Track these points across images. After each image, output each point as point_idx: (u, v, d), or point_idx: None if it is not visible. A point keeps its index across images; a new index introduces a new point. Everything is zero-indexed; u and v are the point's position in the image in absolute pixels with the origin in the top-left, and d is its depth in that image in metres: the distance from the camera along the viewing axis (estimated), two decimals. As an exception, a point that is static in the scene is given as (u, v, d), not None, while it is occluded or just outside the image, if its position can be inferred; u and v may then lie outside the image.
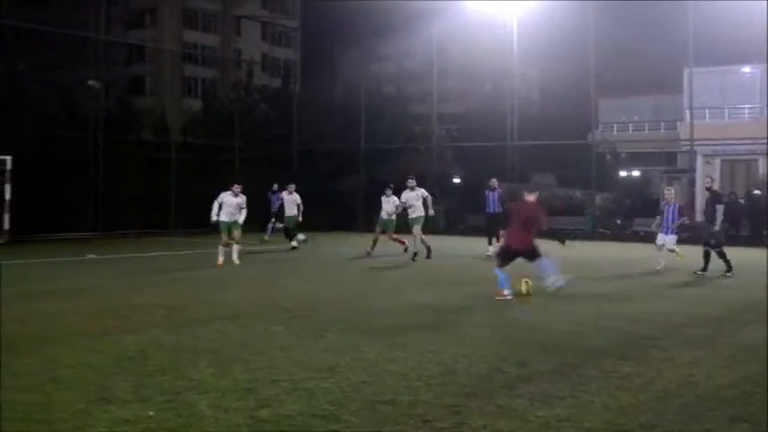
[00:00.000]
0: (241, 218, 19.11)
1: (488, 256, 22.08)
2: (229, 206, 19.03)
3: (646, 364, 8.00)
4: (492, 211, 23.20)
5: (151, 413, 6.02)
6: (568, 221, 34.95)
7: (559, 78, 44.18)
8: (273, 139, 40.50)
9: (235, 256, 19.01)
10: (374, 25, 43.20)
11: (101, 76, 38.75)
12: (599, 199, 36.69)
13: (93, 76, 39.41)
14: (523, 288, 12.94)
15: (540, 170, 40.47)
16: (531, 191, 13.40)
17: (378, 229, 22.68)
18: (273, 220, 28.62)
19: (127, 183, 33.52)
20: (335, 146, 39.54)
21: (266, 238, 28.35)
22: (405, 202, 21.78)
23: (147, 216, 33.17)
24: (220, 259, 18.90)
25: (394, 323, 10.47)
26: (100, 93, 37.67)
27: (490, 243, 22.58)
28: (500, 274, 12.84)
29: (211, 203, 19.30)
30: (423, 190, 21.70)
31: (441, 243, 27.34)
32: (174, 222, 33.65)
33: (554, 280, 12.72)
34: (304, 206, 25.16)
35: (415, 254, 20.66)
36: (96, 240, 28.49)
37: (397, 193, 22.44)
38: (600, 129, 41.26)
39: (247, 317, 10.89)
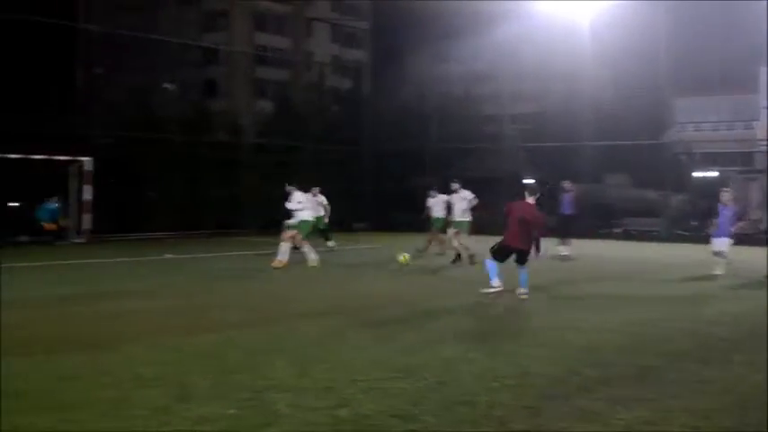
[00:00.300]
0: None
1: (562, 256, 21.92)
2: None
3: (727, 368, 7.84)
4: (566, 212, 23.03)
5: (231, 411, 6.08)
6: (642, 223, 34.45)
7: (633, 78, 43.54)
8: (345, 140, 40.67)
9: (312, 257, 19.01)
10: (445, 26, 43.16)
11: (176, 78, 39.29)
12: (674, 200, 36.07)
13: (169, 79, 40.05)
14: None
15: (614, 171, 39.94)
16: (532, 193, 13.37)
17: (433, 229, 22.68)
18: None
19: (201, 183, 33.98)
20: (406, 146, 39.54)
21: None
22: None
23: (220, 216, 33.56)
24: (312, 257, 18.86)
25: (467, 324, 10.46)
26: (175, 95, 38.22)
27: (563, 244, 22.39)
28: (490, 264, 13.22)
29: (283, 204, 19.30)
30: (468, 192, 21.14)
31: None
32: (247, 222, 33.96)
33: (524, 291, 12.98)
34: (372, 207, 25.06)
35: (471, 257, 20.31)
36: (172, 240, 28.90)
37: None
38: (675, 129, 40.62)
39: (322, 316, 10.95)
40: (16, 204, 31.36)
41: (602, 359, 8.16)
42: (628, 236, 33.20)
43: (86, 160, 28.62)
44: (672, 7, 33.97)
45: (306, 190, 19.79)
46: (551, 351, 8.55)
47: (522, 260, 13.11)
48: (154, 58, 46.43)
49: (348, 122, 43.81)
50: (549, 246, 23.12)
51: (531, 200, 13.22)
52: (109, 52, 44.94)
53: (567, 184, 23.35)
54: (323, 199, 25.25)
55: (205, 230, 32.25)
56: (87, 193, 28.54)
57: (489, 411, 6.17)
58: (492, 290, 12.98)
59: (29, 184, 29.03)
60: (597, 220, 33.93)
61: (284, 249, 18.63)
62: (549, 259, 21.19)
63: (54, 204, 28.23)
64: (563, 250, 22.20)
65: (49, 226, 27.92)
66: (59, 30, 36.40)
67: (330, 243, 24.84)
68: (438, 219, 22.32)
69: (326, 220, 24.91)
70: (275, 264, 18.15)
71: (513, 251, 13.13)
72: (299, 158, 38.07)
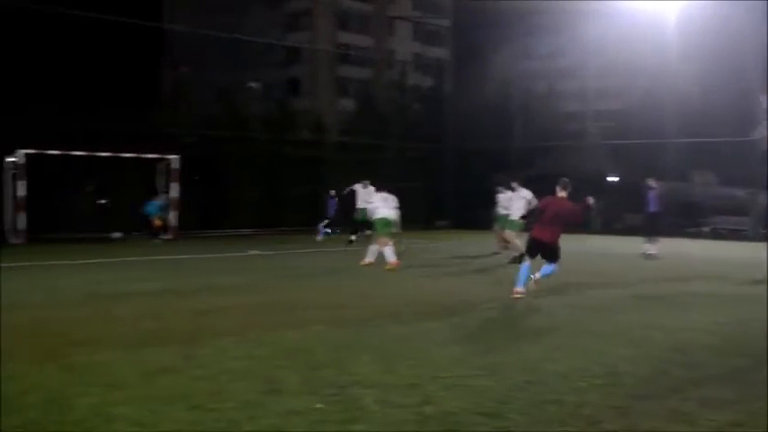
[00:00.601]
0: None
1: (648, 255, 21.62)
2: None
3: (822, 370, 7.65)
4: (651, 210, 22.71)
5: (318, 406, 6.16)
6: (730, 222, 33.74)
7: (719, 74, 42.63)
8: (427, 138, 40.71)
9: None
10: (528, 23, 42.89)
11: (260, 77, 39.79)
12: (762, 198, 35.20)
13: (254, 78, 40.61)
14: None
15: (700, 168, 39.16)
16: (565, 187, 13.08)
17: (496, 227, 22.48)
18: (326, 221, 28.63)
19: (284, 181, 34.38)
20: (488, 144, 39.42)
21: (319, 239, 28.35)
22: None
23: (303, 213, 33.90)
24: (392, 259, 18.54)
25: (552, 323, 10.39)
26: (259, 94, 38.73)
27: (649, 242, 22.10)
28: (524, 267, 12.85)
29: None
30: (527, 191, 20.52)
31: (596, 243, 26.91)
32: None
33: (538, 278, 12.86)
34: (454, 205, 25.03)
35: (516, 257, 20.05)
36: (257, 237, 29.31)
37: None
38: (764, 125, 39.57)
39: (406, 314, 11.00)
40: (104, 201, 32.20)
41: (691, 359, 8.05)
42: (716, 235, 32.57)
43: (173, 158, 29.19)
44: (759, 3, 33.21)
45: (379, 189, 19.60)
46: (638, 350, 8.46)
47: (552, 257, 12.86)
48: (239, 58, 47.19)
49: (430, 120, 43.88)
50: (638, 244, 22.92)
51: (563, 194, 13.03)
52: (195, 52, 45.83)
53: (651, 182, 23.00)
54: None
55: (287, 227, 32.63)
56: (174, 191, 29.12)
57: (577, 411, 6.14)
58: (517, 295, 12.61)
59: (118, 181, 29.82)
60: (683, 219, 33.35)
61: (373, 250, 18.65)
62: (636, 258, 21.00)
63: (161, 201, 28.86)
64: (649, 249, 21.89)
65: (157, 222, 28.55)
66: (147, 30, 37.22)
67: (352, 237, 25.26)
68: (502, 217, 22.09)
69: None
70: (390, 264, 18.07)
71: (541, 246, 12.83)
72: (382, 157, 38.24)
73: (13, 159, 27.76)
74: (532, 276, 12.73)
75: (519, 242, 19.60)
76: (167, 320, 10.35)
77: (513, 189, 21.07)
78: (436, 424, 5.78)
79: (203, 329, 9.63)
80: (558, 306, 12.00)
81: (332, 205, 28.74)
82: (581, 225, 13.16)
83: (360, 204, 25.42)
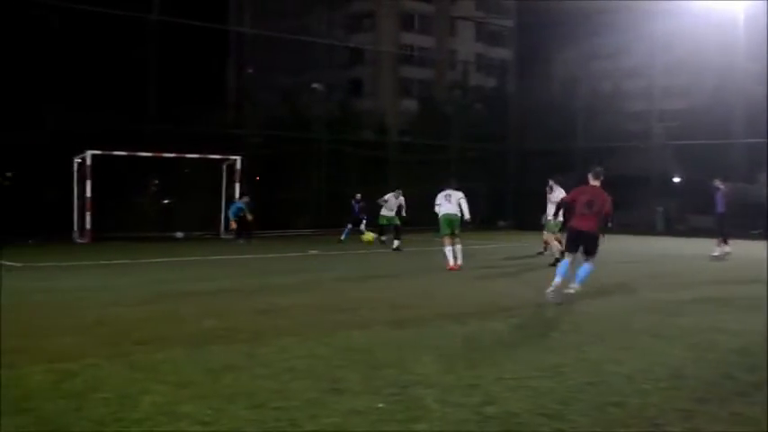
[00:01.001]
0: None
1: (714, 256, 21.30)
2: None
3: None
4: (719, 211, 22.35)
5: (380, 405, 6.18)
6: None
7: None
8: (489, 138, 40.55)
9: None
10: (593, 23, 42.43)
11: (323, 79, 40.00)
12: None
13: (317, 79, 40.84)
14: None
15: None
16: (597, 176, 12.81)
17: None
18: (350, 226, 28.65)
19: (347, 181, 34.52)
20: (551, 144, 39.13)
21: (342, 238, 28.34)
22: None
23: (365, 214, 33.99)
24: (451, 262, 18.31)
25: (614, 324, 10.29)
26: (323, 95, 38.95)
27: (721, 244, 21.78)
28: (564, 263, 12.63)
29: (431, 202, 19.15)
30: (562, 191, 19.44)
31: (660, 244, 26.56)
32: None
33: (576, 287, 12.42)
34: (516, 205, 24.75)
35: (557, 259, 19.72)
36: (318, 237, 29.47)
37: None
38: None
39: (466, 314, 10.96)
40: (168, 201, 32.69)
41: (756, 362, 7.90)
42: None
43: (237, 159, 29.52)
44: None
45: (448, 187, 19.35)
46: (702, 353, 8.33)
47: (590, 248, 12.51)
48: (302, 59, 47.46)
49: (493, 121, 43.72)
50: (702, 245, 22.57)
51: (596, 183, 12.80)
52: (259, 54, 46.21)
53: (718, 183, 22.63)
54: (402, 200, 25.83)
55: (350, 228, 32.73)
56: (237, 191, 29.46)
57: (640, 413, 6.07)
58: (551, 289, 12.33)
59: (182, 182, 30.26)
60: (750, 221, 32.72)
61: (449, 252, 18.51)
62: (702, 260, 20.68)
63: (242, 203, 29.18)
64: (715, 250, 21.58)
65: (234, 224, 28.85)
66: (213, 33, 37.61)
67: (383, 238, 25.92)
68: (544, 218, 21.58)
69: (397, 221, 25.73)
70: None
71: (580, 235, 12.50)
72: (444, 157, 38.20)
73: (81, 160, 28.33)
74: (572, 289, 12.40)
75: (557, 244, 19.40)
76: (230, 319, 10.48)
77: (550, 189, 20.42)
78: (498, 424, 5.75)
79: (265, 328, 9.75)
80: (619, 307, 11.88)
81: (356, 208, 28.91)
82: (611, 218, 12.72)
83: (384, 212, 25.95)
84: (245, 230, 28.32)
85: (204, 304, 12.01)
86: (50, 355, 7.87)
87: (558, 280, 12.37)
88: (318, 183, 33.81)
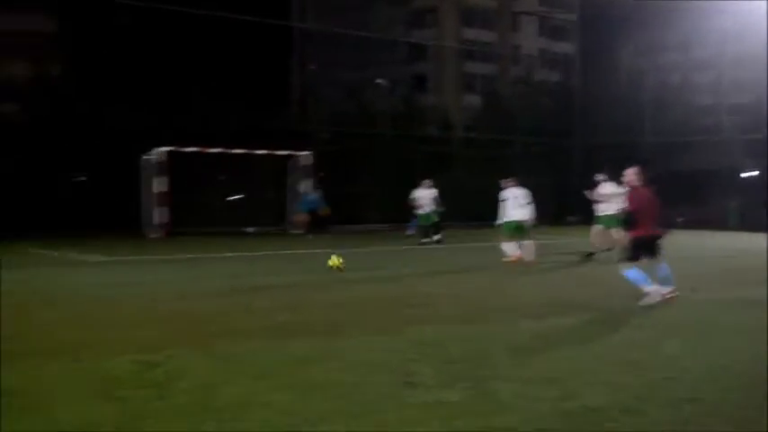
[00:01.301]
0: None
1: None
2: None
3: None
4: None
5: (456, 399, 6.22)
6: None
7: None
8: (555, 133, 40.27)
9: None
10: (658, 15, 41.89)
11: (387, 74, 40.14)
12: None
13: (380, 75, 41.00)
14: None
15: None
16: (638, 175, 11.92)
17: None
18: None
19: (412, 177, 34.57)
20: (618, 139, 38.70)
21: (410, 233, 28.18)
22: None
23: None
24: (510, 252, 18.35)
25: (691, 319, 10.19)
26: (386, 91, 39.09)
27: None
28: (631, 274, 11.58)
29: (493, 198, 19.01)
30: (610, 185, 18.82)
31: (733, 240, 26.15)
32: (455, 216, 34.26)
33: (671, 290, 11.57)
34: (584, 200, 24.18)
35: (589, 255, 19.27)
36: (385, 232, 29.59)
37: None
38: None
39: (539, 310, 10.96)
40: (238, 197, 33.09)
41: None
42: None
43: (305, 155, 29.78)
44: None
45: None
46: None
47: (656, 251, 11.74)
48: (365, 55, 47.67)
49: (557, 116, 43.37)
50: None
51: (638, 182, 12.21)
52: (323, 50, 46.52)
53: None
54: (434, 192, 25.59)
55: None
56: (305, 187, 29.72)
57: (717, 410, 6.02)
58: (649, 298, 11.35)
59: (252, 177, 30.61)
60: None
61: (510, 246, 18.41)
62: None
63: (314, 196, 29.39)
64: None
65: (302, 217, 29.07)
66: (277, 29, 37.92)
67: (436, 237, 25.44)
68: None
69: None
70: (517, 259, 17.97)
71: (643, 242, 11.66)
72: (508, 152, 38.06)
73: (154, 156, 28.87)
74: (663, 293, 11.54)
75: (597, 241, 19.04)
76: (305, 313, 10.65)
77: (596, 183, 19.61)
78: (577, 419, 5.76)
79: (340, 322, 9.88)
80: (696, 302, 11.75)
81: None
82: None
83: (421, 211, 25.73)
84: (316, 225, 28.54)
85: (278, 298, 12.23)
86: (133, 347, 8.10)
87: (651, 285, 11.55)
88: (384, 178, 33.91)
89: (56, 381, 6.73)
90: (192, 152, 28.31)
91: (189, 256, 20.70)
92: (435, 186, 25.84)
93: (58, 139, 30.63)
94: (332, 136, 35.27)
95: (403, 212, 32.93)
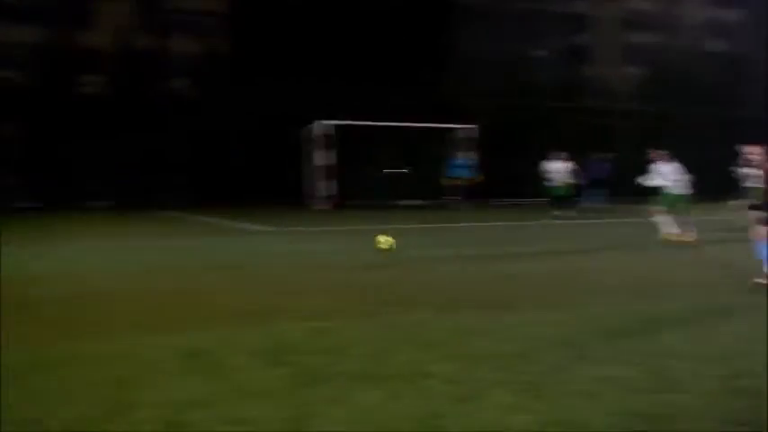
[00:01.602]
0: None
1: None
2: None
3: None
4: None
5: (629, 374, 6.14)
6: None
7: None
8: (722, 104, 38.87)
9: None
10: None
11: (547, 45, 39.71)
12: None
13: (540, 47, 40.54)
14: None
15: None
16: None
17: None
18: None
19: (572, 149, 34.14)
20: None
21: (580, 207, 27.34)
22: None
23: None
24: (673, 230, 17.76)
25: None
26: (547, 62, 38.69)
27: None
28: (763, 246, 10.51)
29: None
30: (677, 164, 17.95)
31: None
32: (621, 190, 33.57)
33: None
34: None
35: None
36: (542, 207, 29.34)
37: None
38: None
39: (708, 287, 10.69)
40: (405, 171, 33.47)
41: None
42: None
43: (470, 128, 29.80)
44: None
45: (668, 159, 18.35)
46: None
47: None
48: (525, 27, 47.12)
49: (726, 86, 41.80)
50: None
51: None
52: (483, 22, 46.23)
53: None
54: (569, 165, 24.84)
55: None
56: (471, 160, 29.72)
57: None
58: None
59: (415, 151, 30.89)
60: None
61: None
62: None
63: (464, 161, 29.39)
64: None
65: (451, 181, 29.16)
66: (438, 2, 37.98)
67: (568, 212, 24.94)
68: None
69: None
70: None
71: None
72: (672, 124, 37.00)
73: (315, 129, 29.54)
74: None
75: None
76: (473, 285, 10.76)
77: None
78: (746, 397, 5.61)
79: (508, 296, 9.90)
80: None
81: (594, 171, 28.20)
82: None
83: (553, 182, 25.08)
84: (469, 196, 28.54)
85: (444, 269, 12.43)
86: (305, 313, 8.41)
87: None
88: (545, 150, 33.53)
89: (232, 343, 7.05)
90: (357, 125, 28.79)
91: (354, 227, 21.20)
92: (604, 159, 25.30)
93: (225, 112, 31.75)
94: (492, 109, 35.14)
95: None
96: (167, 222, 26.15)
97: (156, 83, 39.36)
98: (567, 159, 25.75)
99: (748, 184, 18.67)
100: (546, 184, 25.92)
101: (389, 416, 5.05)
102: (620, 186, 33.33)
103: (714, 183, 27.45)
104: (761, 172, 15.72)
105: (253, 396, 5.44)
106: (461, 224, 22.57)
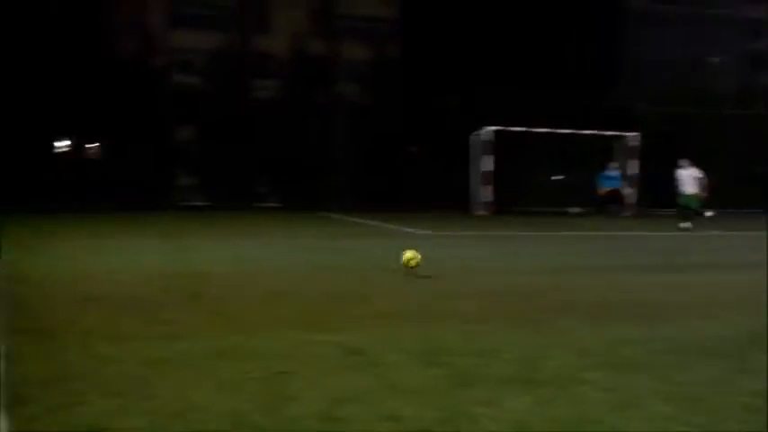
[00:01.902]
0: None
1: None
2: None
3: None
4: None
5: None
6: None
7: None
8: None
9: None
10: None
11: (721, 52, 38.54)
12: None
13: (714, 53, 39.34)
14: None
15: None
16: None
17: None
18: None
19: (752, 158, 33.04)
20: None
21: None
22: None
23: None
24: None
25: None
26: (721, 69, 37.53)
27: None
28: None
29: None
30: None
31: None
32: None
33: None
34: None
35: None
36: (718, 217, 28.38)
37: None
38: None
39: None
40: (561, 177, 33.14)
41: None
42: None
43: (632, 135, 29.23)
44: None
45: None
46: None
47: None
48: (698, 33, 45.74)
49: None
50: None
51: None
52: (654, 28, 45.17)
53: None
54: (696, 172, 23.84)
55: (757, 208, 31.24)
56: (633, 168, 29.16)
57: None
58: None
59: (577, 158, 30.51)
60: None
61: None
62: None
63: (614, 172, 29.07)
64: None
65: (603, 191, 28.84)
66: (609, 9, 37.41)
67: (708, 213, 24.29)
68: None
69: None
70: None
71: None
72: None
73: (482, 135, 29.61)
74: None
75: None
76: (631, 294, 10.58)
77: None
78: None
79: (665, 306, 9.69)
80: None
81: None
82: None
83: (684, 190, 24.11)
84: (612, 203, 28.14)
85: (598, 278, 12.27)
86: (460, 316, 8.50)
87: None
88: (721, 160, 32.41)
89: (390, 343, 7.22)
90: (518, 131, 28.70)
91: (509, 233, 21.15)
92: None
93: (395, 118, 32.22)
94: (661, 116, 34.26)
95: (738, 195, 31.46)
96: (332, 224, 26.80)
97: (327, 88, 40.38)
98: (696, 168, 24.73)
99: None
100: (679, 192, 24.98)
101: (542, 419, 5.06)
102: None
103: None
104: None
105: (406, 394, 5.52)
106: (620, 233, 22.15)
